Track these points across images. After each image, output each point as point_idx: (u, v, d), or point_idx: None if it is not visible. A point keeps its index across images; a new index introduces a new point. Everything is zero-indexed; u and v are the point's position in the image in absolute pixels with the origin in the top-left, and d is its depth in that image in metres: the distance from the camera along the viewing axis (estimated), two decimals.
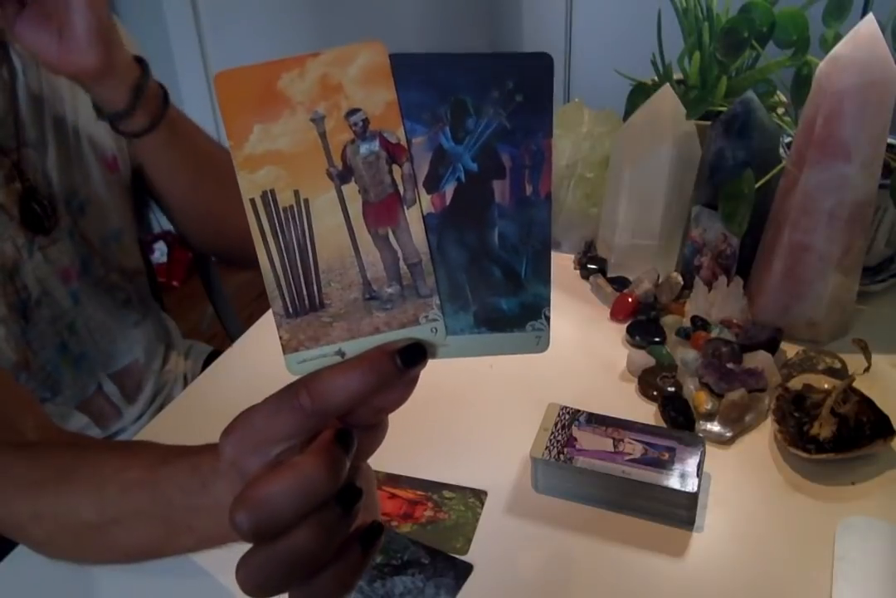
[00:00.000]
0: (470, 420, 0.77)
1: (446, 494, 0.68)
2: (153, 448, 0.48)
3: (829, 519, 0.64)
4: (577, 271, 0.98)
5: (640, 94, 0.95)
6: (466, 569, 0.62)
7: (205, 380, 0.86)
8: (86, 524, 0.47)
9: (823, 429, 0.68)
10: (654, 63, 0.96)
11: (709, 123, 0.86)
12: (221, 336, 1.20)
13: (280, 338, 0.38)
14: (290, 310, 0.38)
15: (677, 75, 0.97)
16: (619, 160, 0.90)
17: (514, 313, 0.39)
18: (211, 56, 2.36)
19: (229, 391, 0.83)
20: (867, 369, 0.73)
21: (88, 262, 0.84)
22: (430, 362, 0.39)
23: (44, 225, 0.77)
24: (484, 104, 0.36)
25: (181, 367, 0.99)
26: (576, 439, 0.67)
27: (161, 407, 0.92)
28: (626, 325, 0.87)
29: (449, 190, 0.37)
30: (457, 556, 0.63)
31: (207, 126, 0.86)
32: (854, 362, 0.76)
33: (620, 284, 0.93)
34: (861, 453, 0.68)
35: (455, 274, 0.38)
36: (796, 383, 0.74)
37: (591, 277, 0.95)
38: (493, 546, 0.64)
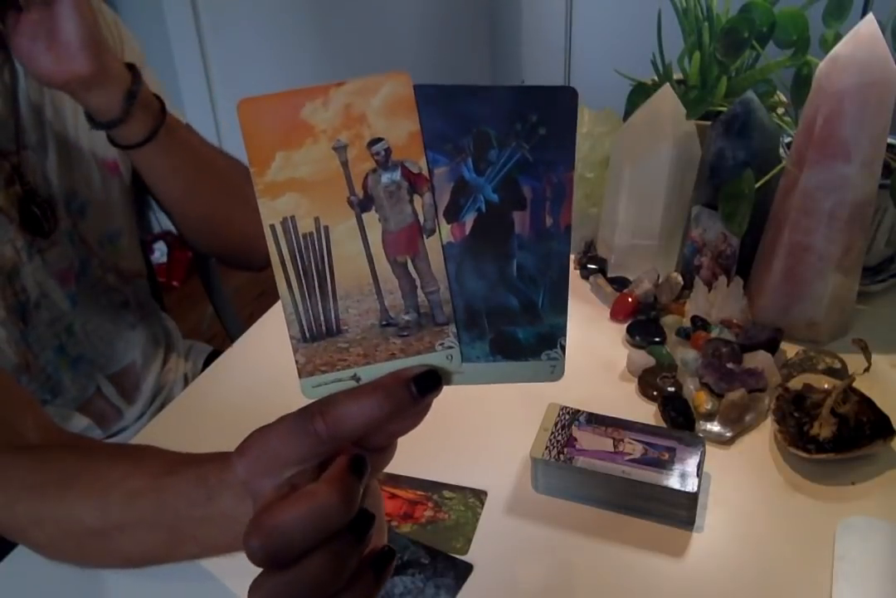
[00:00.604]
0: (470, 420, 0.77)
1: (446, 494, 0.68)
2: (159, 455, 0.48)
3: (829, 519, 0.64)
4: (577, 271, 0.98)
5: (640, 94, 0.95)
6: (466, 569, 0.62)
7: (205, 380, 0.86)
8: (88, 529, 0.47)
9: (823, 429, 0.68)
10: (654, 63, 0.96)
11: (709, 123, 0.86)
12: (221, 336, 1.20)
13: (296, 362, 0.38)
14: (307, 335, 0.38)
15: (677, 75, 0.97)
16: (619, 160, 0.90)
17: (530, 343, 0.39)
18: (211, 56, 2.36)
19: (229, 391, 0.83)
20: (867, 369, 0.73)
21: (87, 264, 0.84)
22: None
23: (43, 228, 0.77)
24: (507, 136, 0.36)
25: (181, 367, 0.99)
26: (576, 440, 0.67)
27: (161, 407, 0.92)
28: (626, 325, 0.87)
29: (469, 220, 0.37)
30: (457, 556, 0.63)
31: (207, 126, 0.86)
32: (854, 362, 0.76)
33: (620, 284, 0.93)
34: (861, 453, 0.68)
35: (473, 303, 0.39)
36: (796, 383, 0.74)
37: (591, 277, 0.95)
38: (493, 546, 0.64)
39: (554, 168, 0.37)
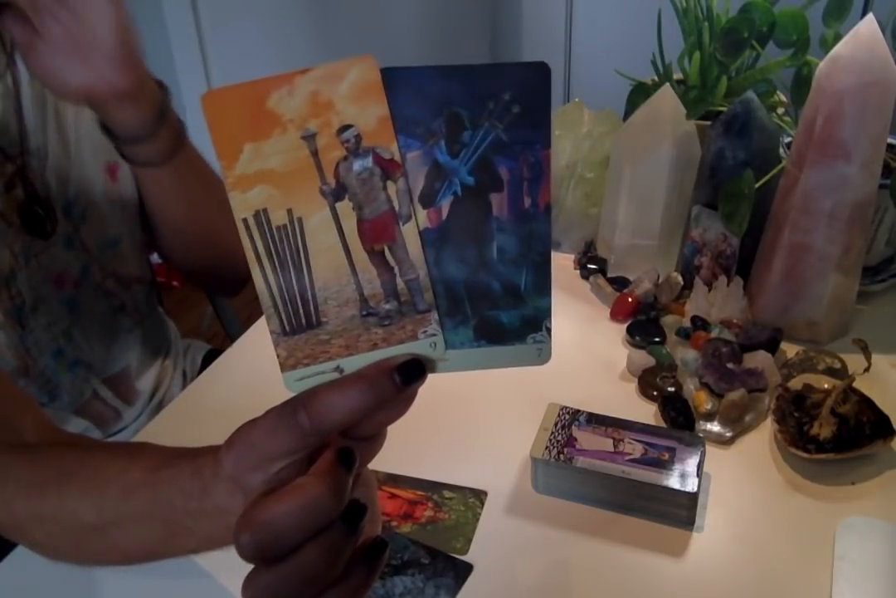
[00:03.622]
0: (470, 420, 0.77)
1: (446, 494, 0.68)
2: (154, 450, 0.48)
3: (829, 519, 0.64)
4: (577, 271, 0.98)
5: (640, 94, 0.95)
6: (466, 569, 0.62)
7: (205, 380, 0.86)
8: (86, 525, 0.47)
9: (823, 429, 0.68)
10: (654, 63, 0.96)
11: (709, 123, 0.86)
12: (221, 336, 1.20)
13: (277, 356, 0.38)
14: (287, 328, 0.38)
15: (677, 75, 0.97)
16: (619, 160, 0.90)
17: (515, 326, 0.39)
18: (211, 56, 2.36)
19: (229, 391, 0.83)
20: (867, 369, 0.73)
21: (88, 268, 0.83)
22: None
23: (46, 229, 0.77)
24: (479, 117, 0.35)
25: (179, 365, 0.99)
26: (576, 439, 0.67)
27: (160, 404, 0.92)
28: (626, 325, 0.87)
29: (445, 204, 0.37)
30: (457, 556, 0.63)
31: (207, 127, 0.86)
32: (854, 362, 0.76)
33: (620, 284, 0.93)
34: (861, 453, 0.68)
35: (454, 289, 0.38)
36: (796, 383, 0.74)
37: (591, 277, 0.95)
38: (493, 546, 0.64)
39: (530, 147, 0.36)
